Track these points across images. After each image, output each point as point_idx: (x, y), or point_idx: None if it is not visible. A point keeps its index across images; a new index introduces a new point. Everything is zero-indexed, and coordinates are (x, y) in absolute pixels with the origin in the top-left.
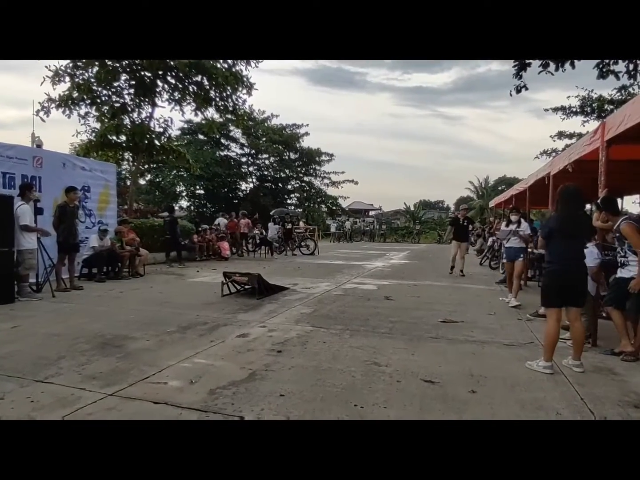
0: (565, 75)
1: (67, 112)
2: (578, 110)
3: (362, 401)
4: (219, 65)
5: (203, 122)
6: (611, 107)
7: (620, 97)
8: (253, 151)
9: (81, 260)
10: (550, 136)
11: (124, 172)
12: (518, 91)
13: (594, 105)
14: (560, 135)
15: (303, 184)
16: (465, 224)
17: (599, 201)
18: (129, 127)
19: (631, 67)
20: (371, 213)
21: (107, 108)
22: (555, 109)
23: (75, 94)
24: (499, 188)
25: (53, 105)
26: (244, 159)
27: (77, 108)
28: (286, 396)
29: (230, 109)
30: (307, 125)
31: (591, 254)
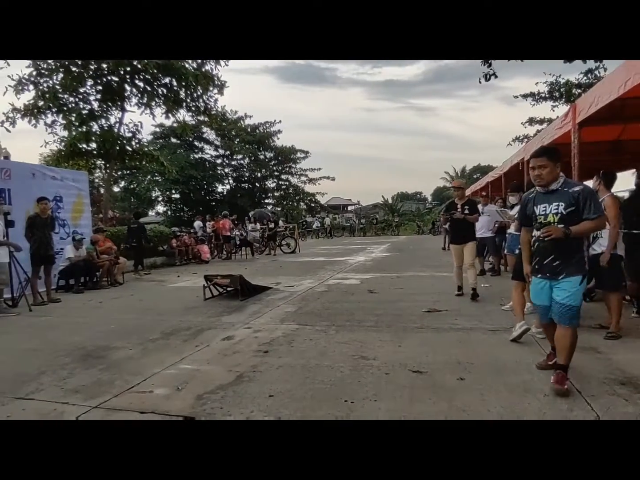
0: (533, 62)
1: (34, 121)
2: (547, 95)
3: (352, 396)
4: (187, 66)
5: (175, 125)
6: (579, 91)
7: (587, 80)
8: (228, 152)
9: (58, 271)
10: (522, 123)
11: (97, 180)
12: (487, 79)
13: (562, 90)
14: (531, 121)
15: (280, 183)
16: (466, 211)
17: (601, 173)
18: (98, 133)
19: None
20: (350, 208)
21: (74, 115)
22: (525, 96)
23: (40, 103)
24: (474, 176)
25: (18, 115)
26: (219, 161)
27: (44, 117)
28: (275, 396)
29: (202, 109)
30: (280, 122)
31: None
